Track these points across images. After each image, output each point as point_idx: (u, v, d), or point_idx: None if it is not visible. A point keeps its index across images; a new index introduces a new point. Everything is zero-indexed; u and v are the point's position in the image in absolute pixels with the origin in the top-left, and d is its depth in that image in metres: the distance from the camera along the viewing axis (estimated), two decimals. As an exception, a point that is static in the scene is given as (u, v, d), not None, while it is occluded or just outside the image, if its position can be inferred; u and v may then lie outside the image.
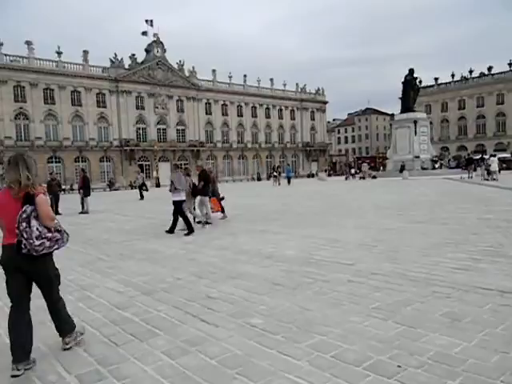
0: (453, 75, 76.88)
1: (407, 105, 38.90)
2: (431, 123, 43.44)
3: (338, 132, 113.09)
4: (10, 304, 3.28)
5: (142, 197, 24.09)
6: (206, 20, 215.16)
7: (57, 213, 17.07)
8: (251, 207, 15.64)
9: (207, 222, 10.91)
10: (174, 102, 59.82)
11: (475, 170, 31.93)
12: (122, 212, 16.62)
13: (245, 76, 68.01)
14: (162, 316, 4.16)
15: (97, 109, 53.06)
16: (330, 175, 58.84)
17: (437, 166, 37.18)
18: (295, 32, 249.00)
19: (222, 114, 65.59)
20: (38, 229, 3.01)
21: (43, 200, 3.11)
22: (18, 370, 3.00)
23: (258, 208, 15.16)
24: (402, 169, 34.65)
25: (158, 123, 58.51)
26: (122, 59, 55.20)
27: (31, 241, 2.97)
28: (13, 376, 2.99)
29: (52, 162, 49.63)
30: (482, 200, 14.31)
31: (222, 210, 12.22)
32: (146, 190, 25.13)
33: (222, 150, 65.33)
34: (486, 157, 33.65)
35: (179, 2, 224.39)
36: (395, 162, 38.15)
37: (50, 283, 3.31)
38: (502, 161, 37.88)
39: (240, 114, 67.66)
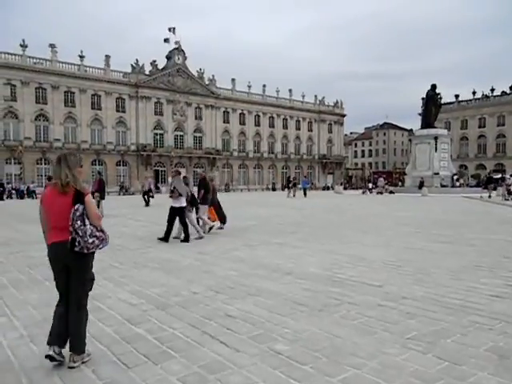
0: (474, 92, 75.90)
1: (428, 120, 38.18)
2: (451, 140, 42.60)
3: (355, 145, 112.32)
4: (58, 297, 3.37)
5: (146, 203, 23.12)
6: (226, 29, 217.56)
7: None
8: (268, 218, 15.29)
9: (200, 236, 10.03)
10: (192, 109, 60.15)
11: (495, 189, 31.16)
12: (134, 217, 16.44)
13: (264, 86, 68.19)
14: (178, 335, 3.84)
15: (116, 113, 53.60)
16: (345, 188, 58.20)
17: (458, 184, 36.30)
18: (318, 43, 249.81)
19: (240, 123, 65.69)
20: (90, 227, 3.13)
21: (91, 200, 3.27)
22: (55, 352, 3.11)
23: (274, 219, 14.81)
24: (420, 185, 33.93)
25: (175, 130, 58.82)
26: (142, 65, 55.82)
27: (85, 238, 3.07)
28: (47, 356, 3.09)
29: (69, 164, 50.13)
30: (506, 221, 13.76)
31: (223, 221, 11.81)
32: (152, 197, 24.30)
33: (238, 159, 65.30)
34: (507, 176, 32.76)
35: (199, 12, 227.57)
36: (414, 178, 37.42)
37: (84, 283, 3.32)
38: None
39: (257, 124, 67.67)
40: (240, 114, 65.49)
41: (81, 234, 3.06)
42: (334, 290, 5.32)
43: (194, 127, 60.45)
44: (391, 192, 38.35)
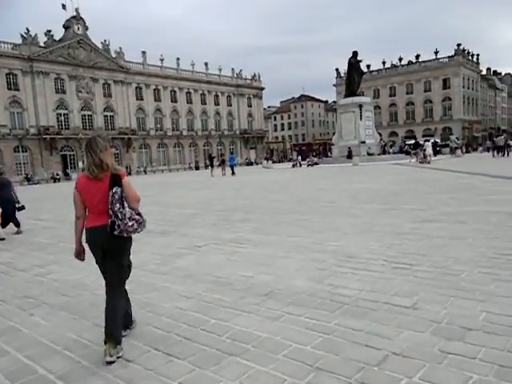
0: (384, 62, 78.87)
1: (352, 89, 37.61)
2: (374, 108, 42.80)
3: (275, 119, 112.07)
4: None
5: None
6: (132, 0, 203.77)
7: None
8: (205, 203, 13.01)
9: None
10: (99, 85, 54.58)
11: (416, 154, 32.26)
12: (37, 215, 13.28)
13: (178, 59, 64.06)
14: None
15: (7, 91, 46.64)
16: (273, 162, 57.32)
17: (391, 150, 36.92)
18: (230, 17, 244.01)
19: (155, 100, 61.30)
20: (129, 210, 3.02)
21: (129, 182, 3.11)
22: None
23: (213, 204, 12.57)
24: (349, 155, 33.54)
25: (82, 109, 53.08)
26: (35, 35, 48.90)
27: (125, 221, 2.97)
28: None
29: (-46, 154, 42.97)
30: (462, 188, 12.69)
31: (17, 225, 9.48)
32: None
33: (155, 138, 61.16)
34: (427, 142, 34.06)
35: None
36: (341, 148, 37.02)
37: (120, 269, 3.18)
38: (433, 146, 38.95)
39: (174, 100, 63.71)
40: (154, 89, 61.06)
41: (120, 216, 2.95)
42: (353, 325, 3.38)
43: (103, 106, 55.08)
44: (315, 163, 37.94)
